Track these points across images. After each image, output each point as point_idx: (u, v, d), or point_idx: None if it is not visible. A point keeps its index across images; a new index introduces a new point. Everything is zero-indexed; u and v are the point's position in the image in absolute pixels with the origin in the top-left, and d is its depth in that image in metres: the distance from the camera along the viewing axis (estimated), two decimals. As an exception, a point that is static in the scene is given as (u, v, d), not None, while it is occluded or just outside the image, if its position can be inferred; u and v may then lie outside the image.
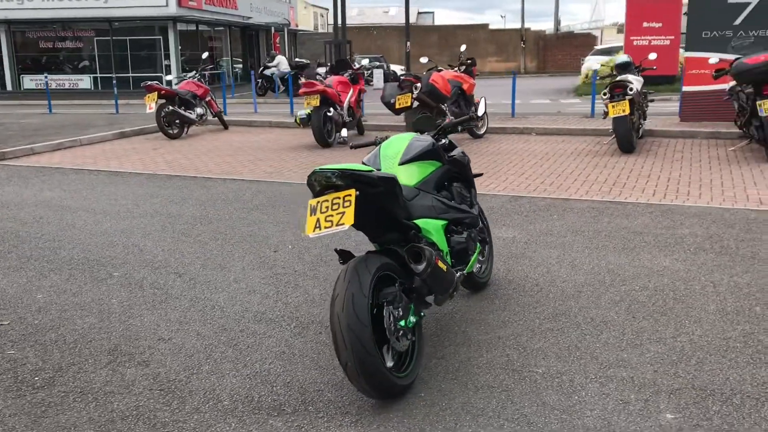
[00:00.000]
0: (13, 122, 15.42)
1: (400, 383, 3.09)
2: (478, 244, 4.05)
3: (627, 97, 9.11)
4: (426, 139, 3.79)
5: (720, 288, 4.37)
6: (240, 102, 20.42)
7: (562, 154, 9.64)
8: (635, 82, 9.53)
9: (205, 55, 14.93)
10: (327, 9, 61.62)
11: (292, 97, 15.00)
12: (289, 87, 15.66)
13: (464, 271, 3.76)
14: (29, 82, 27.94)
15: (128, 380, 3.40)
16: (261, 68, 25.00)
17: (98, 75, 27.88)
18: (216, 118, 13.41)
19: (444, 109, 10.08)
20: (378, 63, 30.24)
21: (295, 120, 10.86)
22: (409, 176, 3.60)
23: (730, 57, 9.93)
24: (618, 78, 9.62)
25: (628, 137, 9.29)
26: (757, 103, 8.26)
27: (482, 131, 10.94)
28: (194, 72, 13.25)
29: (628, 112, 9.08)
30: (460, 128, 4.06)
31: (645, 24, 21.58)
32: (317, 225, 3.03)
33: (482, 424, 2.92)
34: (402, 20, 64.19)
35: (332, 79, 11.14)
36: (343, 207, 2.99)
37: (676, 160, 8.90)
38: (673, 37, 21.31)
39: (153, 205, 7.09)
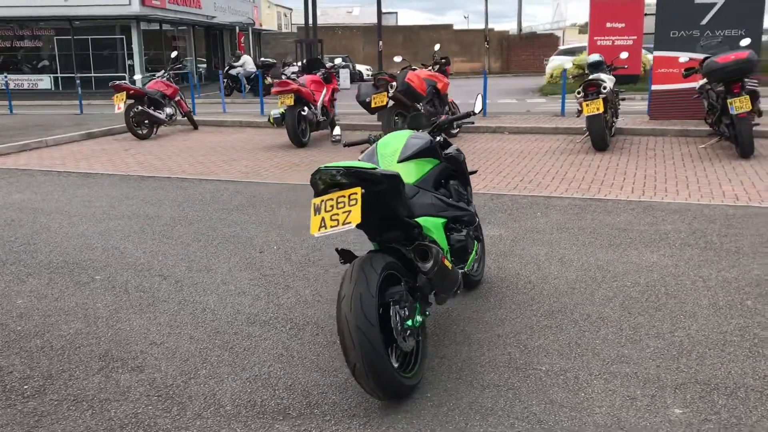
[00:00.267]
0: (-27, 123, 14.99)
1: (408, 384, 3.05)
2: (476, 242, 4.03)
3: (601, 96, 9.21)
4: (424, 137, 3.75)
5: (710, 283, 4.41)
6: (206, 102, 20.17)
7: (537, 152, 9.69)
8: (608, 80, 9.64)
9: (173, 54, 14.66)
10: (291, 9, 61.35)
11: (262, 97, 14.86)
12: (259, 87, 15.48)
13: (464, 270, 3.73)
14: (-14, 82, 27.24)
15: (123, 386, 3.29)
16: (226, 68, 24.72)
17: (59, 75, 27.28)
18: (185, 118, 13.19)
19: (419, 109, 10.05)
20: (344, 63, 30.15)
21: (269, 119, 10.75)
22: (408, 174, 3.56)
23: (700, 56, 10.12)
24: (591, 77, 9.72)
25: (602, 135, 9.39)
26: (728, 101, 8.41)
27: (456, 130, 10.95)
28: (163, 71, 13.01)
29: (602, 110, 9.18)
30: (456, 125, 4.03)
31: (608, 24, 21.85)
32: (322, 224, 2.97)
33: (492, 423, 2.89)
34: (365, 20, 64.32)
35: (305, 78, 11.05)
36: (349, 206, 2.93)
37: (649, 157, 9.02)
38: (635, 38, 21.61)
39: (129, 207, 6.92)
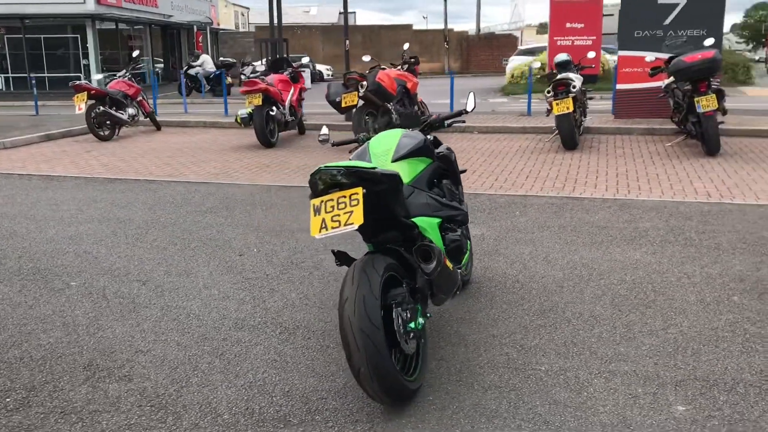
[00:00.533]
0: (-77, 125, 14.43)
1: (411, 387, 2.99)
2: (468, 242, 3.99)
3: (570, 95, 9.29)
4: (417, 135, 3.69)
5: (694, 279, 4.46)
6: (165, 102, 19.75)
7: (508, 152, 9.73)
8: (576, 80, 9.72)
9: (135, 53, 14.36)
10: (248, 8, 60.82)
11: (226, 97, 14.64)
12: (222, 87, 15.24)
13: (460, 269, 3.69)
14: (-68, 82, 26.32)
15: (112, 397, 3.16)
16: (185, 68, 24.30)
17: (10, 75, 26.51)
18: (148, 119, 12.91)
19: (390, 108, 10.01)
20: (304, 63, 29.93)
21: (236, 120, 10.57)
22: (402, 173, 3.48)
23: (665, 56, 10.28)
24: (560, 76, 9.79)
25: (572, 134, 9.47)
26: (695, 99, 8.56)
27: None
28: (124, 71, 12.70)
29: (571, 109, 9.26)
30: (447, 124, 3.99)
31: (568, 25, 22.10)
32: (323, 225, 2.90)
33: (499, 425, 2.85)
34: (323, 20, 64.10)
35: (273, 78, 10.89)
36: (351, 206, 2.86)
37: (618, 155, 9.13)
38: (594, 38, 21.89)
39: (98, 210, 6.71)
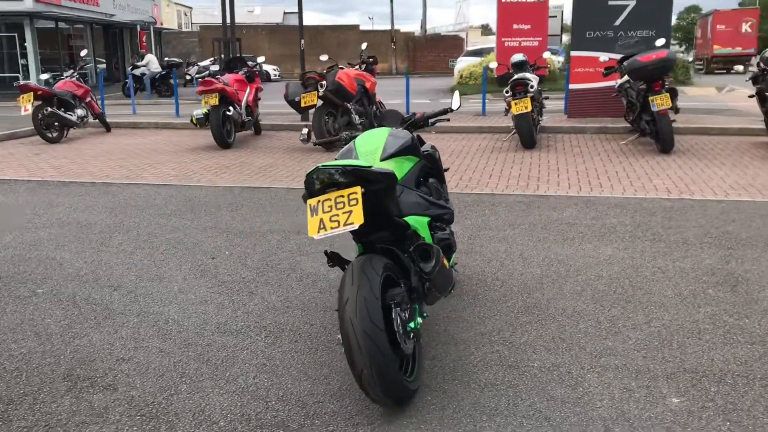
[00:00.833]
0: None
1: (411, 388, 2.96)
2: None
3: (528, 95, 9.41)
4: (404, 134, 3.66)
5: (668, 273, 4.55)
6: (111, 103, 19.22)
7: (468, 151, 9.80)
8: (533, 80, 9.86)
9: (83, 52, 13.90)
10: (191, 7, 59.81)
11: (177, 98, 14.33)
12: (174, 87, 14.92)
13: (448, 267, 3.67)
14: None
15: (99, 408, 3.04)
16: (130, 68, 23.72)
17: (-58, 75, 25.44)
18: (97, 120, 12.53)
19: (350, 108, 9.97)
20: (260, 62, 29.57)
21: (191, 120, 10.35)
22: (392, 172, 3.46)
23: (618, 56, 10.53)
24: (517, 76, 9.89)
25: (530, 133, 9.59)
26: (650, 98, 8.77)
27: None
28: (72, 71, 12.30)
29: (530, 108, 9.37)
30: (431, 123, 3.97)
31: (515, 26, 22.35)
32: (321, 226, 2.84)
33: (501, 423, 2.85)
34: (267, 20, 63.45)
35: (228, 78, 10.71)
36: (349, 206, 2.82)
37: (576, 154, 9.29)
38: (540, 39, 22.20)
39: (56, 215, 6.47)
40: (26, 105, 10.91)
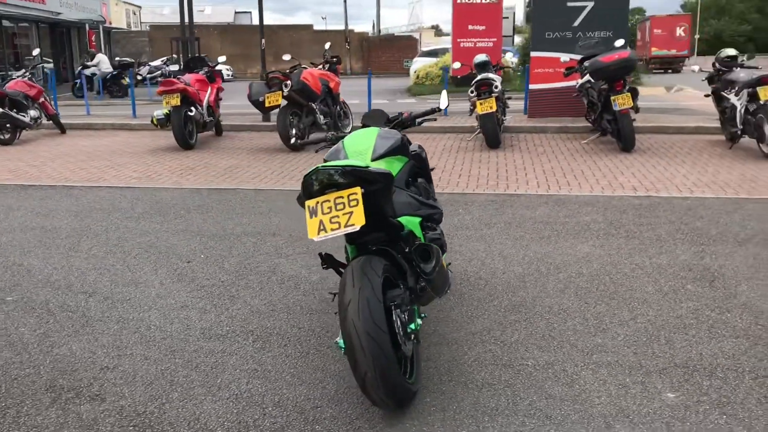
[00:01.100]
0: None
1: (413, 390, 2.93)
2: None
3: (493, 95, 9.48)
4: (394, 134, 3.63)
5: (647, 270, 4.63)
6: (60, 104, 18.65)
7: (434, 151, 9.81)
8: (497, 80, 9.93)
9: (35, 51, 13.50)
10: (140, 6, 58.56)
11: (134, 98, 14.00)
12: (130, 87, 14.57)
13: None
14: None
15: (88, 419, 2.93)
16: (79, 68, 23.09)
17: None
18: (51, 122, 12.15)
19: (314, 108, 9.88)
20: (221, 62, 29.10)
21: (152, 121, 10.12)
22: (383, 173, 3.43)
23: (578, 56, 10.70)
24: (480, 76, 9.96)
25: (495, 133, 9.66)
26: (611, 98, 8.93)
27: (348, 129, 10.86)
28: (23, 71, 11.91)
29: (495, 108, 9.44)
30: (418, 122, 3.95)
31: (470, 27, 22.51)
32: (321, 227, 2.79)
33: (504, 423, 2.84)
34: (218, 19, 62.64)
35: (189, 78, 10.51)
36: (350, 207, 2.78)
37: (540, 153, 9.39)
38: (495, 40, 22.43)
39: (18, 219, 6.24)
40: (-25, 106, 10.51)
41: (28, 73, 11.84)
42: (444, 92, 4.04)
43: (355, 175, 2.79)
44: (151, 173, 8.40)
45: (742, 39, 71.58)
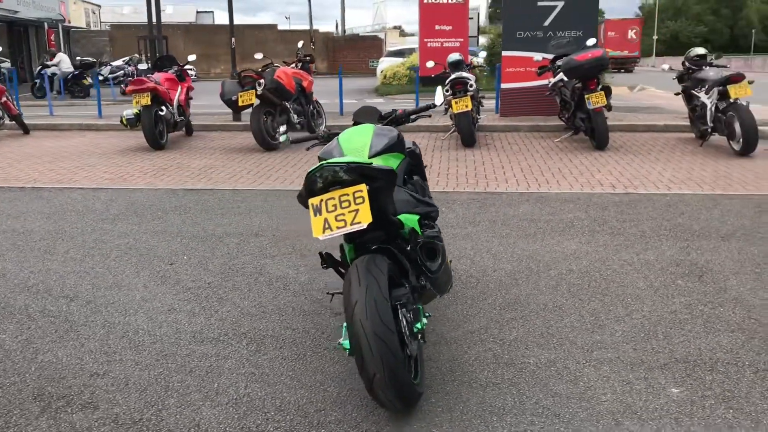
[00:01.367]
0: None
1: (419, 390, 2.88)
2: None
3: (468, 93, 9.47)
4: (390, 130, 3.56)
5: (636, 266, 4.64)
6: (21, 104, 18.18)
7: (409, 149, 9.76)
8: (471, 78, 9.93)
9: (-3, 50, 13.05)
10: (99, 5, 57.47)
11: (99, 98, 13.68)
12: (96, 87, 14.23)
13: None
14: None
15: (81, 428, 2.81)
16: (39, 67, 22.52)
17: None
18: (13, 122, 11.81)
19: (288, 107, 9.77)
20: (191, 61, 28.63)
21: (121, 121, 9.89)
22: (381, 170, 3.36)
23: (550, 56, 10.76)
24: (454, 75, 9.93)
25: (470, 132, 9.66)
26: (585, 96, 8.99)
27: (321, 128, 10.77)
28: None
29: (470, 107, 9.44)
30: (412, 119, 3.89)
31: (437, 27, 22.54)
32: (326, 226, 2.72)
33: (512, 422, 2.80)
34: (179, 19, 61.80)
35: (158, 77, 10.30)
36: (355, 204, 2.71)
37: (515, 151, 9.41)
38: (462, 40, 22.48)
39: (-13, 222, 6.03)
40: (-64, 106, 10.15)
41: (-11, 73, 11.47)
42: (439, 88, 3.99)
43: (359, 172, 2.73)
44: (123, 174, 8.20)
45: (699, 40, 73.31)
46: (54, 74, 21.29)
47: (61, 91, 20.78)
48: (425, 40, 22.14)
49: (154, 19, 14.07)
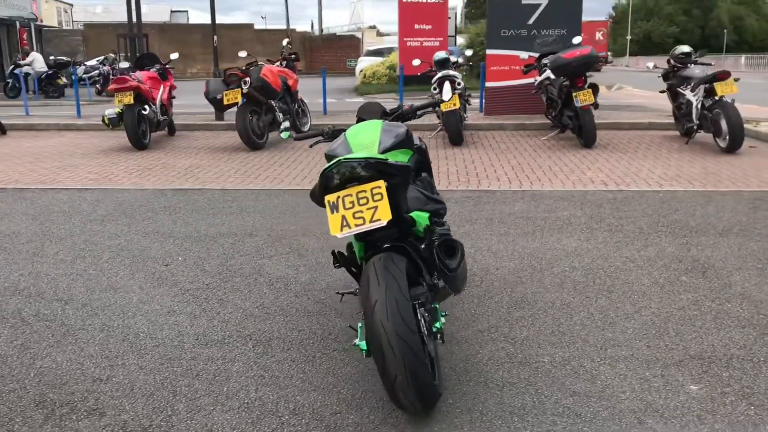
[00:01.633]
0: None
1: (439, 392, 2.81)
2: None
3: (456, 92, 9.41)
4: (398, 126, 3.49)
5: (638, 262, 4.62)
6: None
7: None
8: (458, 76, 9.88)
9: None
10: (71, 4, 56.69)
11: (78, 97, 13.42)
12: (75, 86, 13.96)
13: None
14: None
15: (89, 436, 2.70)
16: (11, 66, 22.09)
17: None
18: (-11, 122, 11.55)
19: (274, 106, 9.65)
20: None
21: (103, 120, 9.69)
22: (391, 166, 3.29)
23: (536, 54, 10.77)
24: (441, 74, 9.87)
25: (458, 130, 9.60)
26: (573, 94, 8.98)
27: (306, 128, 10.66)
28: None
29: (458, 105, 9.39)
30: (419, 114, 3.82)
31: (416, 26, 22.50)
32: (344, 223, 2.64)
33: (534, 423, 2.74)
34: (154, 18, 61.15)
35: (141, 75, 10.12)
36: (374, 201, 2.64)
37: (503, 150, 9.39)
38: (441, 39, 22.47)
39: (-30, 224, 5.85)
40: None
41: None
42: (447, 83, 3.93)
43: (377, 168, 2.65)
44: (108, 174, 8.03)
45: (671, 40, 74.24)
46: (27, 74, 20.89)
47: (35, 90, 20.40)
48: (405, 39, 22.09)
49: (134, 18, 13.80)
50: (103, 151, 9.75)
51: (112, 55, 27.61)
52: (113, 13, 60.86)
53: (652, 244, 5.00)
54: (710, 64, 9.60)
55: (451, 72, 9.97)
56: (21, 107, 14.78)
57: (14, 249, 5.13)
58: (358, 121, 3.82)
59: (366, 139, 3.36)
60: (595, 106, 9.27)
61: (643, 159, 8.46)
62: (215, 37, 13.31)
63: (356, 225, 2.63)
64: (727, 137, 8.54)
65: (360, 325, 2.87)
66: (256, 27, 44.99)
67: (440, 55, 10.63)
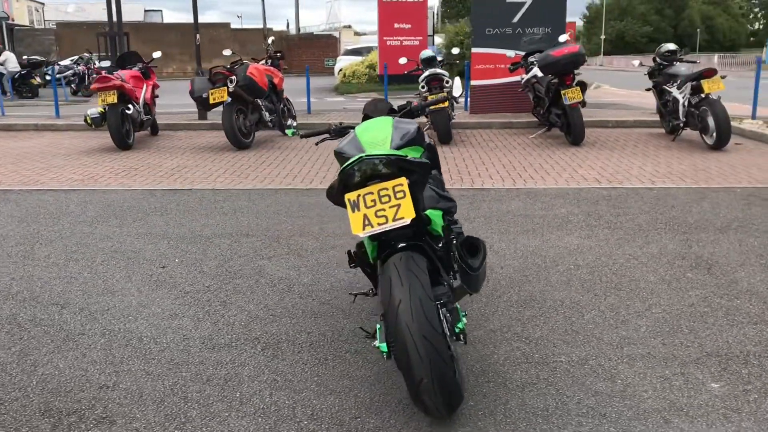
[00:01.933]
0: None
1: (462, 395, 2.74)
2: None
3: (444, 90, 9.37)
4: (409, 122, 3.42)
5: (642, 259, 4.60)
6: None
7: (385, 147, 9.63)
8: (446, 75, 9.83)
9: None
10: (43, 3, 55.84)
11: (56, 97, 13.16)
12: (53, 85, 13.68)
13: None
14: None
15: (101, 446, 2.59)
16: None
17: None
18: (-34, 122, 11.28)
19: (260, 105, 9.53)
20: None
21: (86, 120, 9.49)
22: (404, 164, 3.21)
23: (522, 52, 10.77)
24: (429, 72, 9.82)
25: (447, 129, 9.55)
26: (562, 92, 8.98)
27: (293, 125, 10.55)
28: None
29: (447, 104, 9.34)
30: (427, 112, 3.76)
31: (396, 25, 22.49)
32: (366, 222, 2.56)
33: (559, 424, 2.69)
34: (128, 17, 60.34)
35: (124, 74, 9.93)
36: (396, 199, 2.57)
37: (492, 148, 9.36)
38: (421, 38, 22.48)
39: (-46, 226, 5.67)
40: None
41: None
42: (457, 79, 3.87)
43: (398, 165, 2.58)
44: (93, 175, 7.86)
45: (644, 40, 75.06)
46: (1, 74, 20.48)
47: (9, 91, 20.01)
48: (384, 38, 22.07)
49: (114, 17, 13.57)
50: (85, 152, 9.55)
51: (87, 54, 27.23)
52: (87, 13, 60.01)
53: (653, 241, 4.99)
54: (695, 62, 9.67)
55: (439, 70, 9.92)
56: (11, 107, 14.46)
57: (3, 252, 4.97)
58: (364, 118, 3.74)
59: (377, 137, 3.28)
60: (583, 104, 9.27)
61: (633, 156, 8.48)
62: (197, 36, 13.08)
63: (379, 224, 2.56)
64: (714, 134, 8.59)
65: (378, 326, 2.80)
66: (233, 26, 44.62)
67: (427, 53, 10.59)
